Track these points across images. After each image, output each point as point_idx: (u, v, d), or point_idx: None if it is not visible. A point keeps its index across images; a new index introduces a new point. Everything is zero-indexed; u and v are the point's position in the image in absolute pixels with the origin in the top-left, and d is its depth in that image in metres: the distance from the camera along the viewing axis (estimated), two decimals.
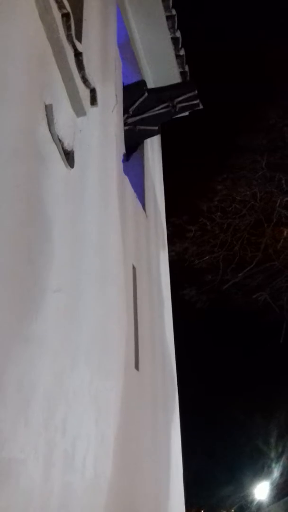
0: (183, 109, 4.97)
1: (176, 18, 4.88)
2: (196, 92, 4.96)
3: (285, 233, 10.29)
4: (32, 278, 2.19)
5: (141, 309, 3.76)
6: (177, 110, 4.87)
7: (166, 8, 4.73)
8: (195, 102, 4.95)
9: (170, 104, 4.86)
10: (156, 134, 5.33)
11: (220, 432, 12.10)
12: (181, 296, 10.58)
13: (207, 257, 10.66)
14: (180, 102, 4.90)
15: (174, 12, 4.89)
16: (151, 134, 5.11)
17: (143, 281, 4.04)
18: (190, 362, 9.82)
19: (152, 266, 4.59)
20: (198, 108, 5.72)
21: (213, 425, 12.01)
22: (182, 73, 5.22)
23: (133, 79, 4.93)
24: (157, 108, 4.83)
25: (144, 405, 3.57)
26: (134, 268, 3.86)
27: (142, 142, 5.12)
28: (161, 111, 4.85)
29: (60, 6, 2.68)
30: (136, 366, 3.45)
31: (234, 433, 12.47)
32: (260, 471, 12.97)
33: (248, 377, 12.01)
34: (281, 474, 12.83)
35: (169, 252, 6.11)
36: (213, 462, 11.93)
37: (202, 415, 11.19)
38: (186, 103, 4.92)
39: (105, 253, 3.20)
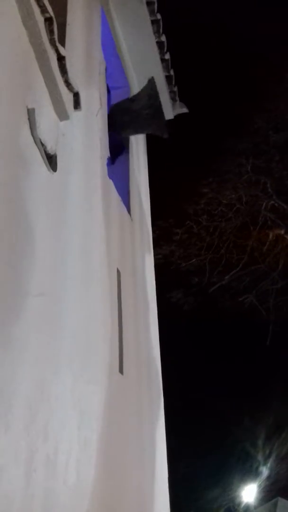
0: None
1: (161, 23, 4.90)
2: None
3: (270, 236, 10.39)
4: (13, 282, 2.18)
5: (125, 313, 3.76)
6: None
7: (151, 12, 4.75)
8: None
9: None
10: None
11: (207, 435, 12.11)
12: (168, 298, 10.60)
13: (193, 260, 10.71)
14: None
15: (159, 16, 4.91)
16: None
17: (127, 285, 4.04)
18: (176, 365, 9.82)
19: (137, 269, 4.59)
20: (182, 108, 5.75)
21: (200, 427, 12.01)
22: (168, 77, 5.24)
23: (119, 83, 4.94)
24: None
25: (129, 409, 3.57)
26: (118, 272, 3.86)
27: (128, 142, 5.10)
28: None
29: (43, 10, 2.68)
30: (120, 370, 3.44)
31: (221, 435, 12.49)
32: (248, 473, 13.01)
33: (235, 379, 12.04)
34: (269, 476, 12.89)
35: (156, 255, 6.12)
36: (200, 465, 11.93)
37: (189, 418, 11.19)
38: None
39: (89, 257, 3.20)
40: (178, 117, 5.81)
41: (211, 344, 11.67)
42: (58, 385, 2.50)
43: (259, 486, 13.23)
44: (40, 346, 2.37)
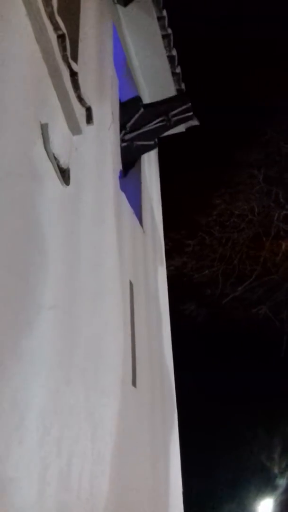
0: (178, 122, 5.07)
1: (172, 37, 4.97)
2: (190, 104, 5.06)
3: (283, 247, 10.33)
4: (26, 295, 2.20)
5: (138, 325, 3.76)
6: (172, 123, 4.95)
7: (162, 27, 4.82)
8: (189, 114, 5.04)
9: (166, 118, 4.94)
10: (153, 149, 5.39)
11: (222, 448, 11.96)
12: (180, 310, 10.57)
13: (206, 271, 10.68)
14: (175, 115, 4.99)
15: (169, 31, 4.98)
16: (148, 149, 5.18)
17: (140, 297, 4.04)
18: (190, 377, 9.75)
19: (149, 281, 4.60)
20: (193, 121, 5.80)
21: (215, 440, 11.87)
22: (179, 90, 5.30)
23: (130, 96, 5.00)
24: (153, 123, 4.90)
25: (142, 422, 3.55)
26: (131, 283, 3.87)
27: (140, 158, 5.17)
28: (157, 125, 4.93)
29: (56, 27, 2.73)
30: (134, 383, 3.43)
31: (236, 448, 12.33)
32: (264, 488, 12.79)
33: (250, 391, 11.91)
34: (285, 491, 12.66)
35: (168, 266, 6.12)
36: (215, 479, 11.76)
37: (203, 431, 11.07)
38: (181, 116, 5.01)
39: (101, 269, 3.21)
40: (189, 129, 5.86)
41: (225, 356, 11.58)
42: (71, 397, 2.50)
43: (276, 500, 12.98)
44: (53, 358, 2.38)
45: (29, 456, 2.02)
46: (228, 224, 10.49)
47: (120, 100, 4.68)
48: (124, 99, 5.09)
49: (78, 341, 2.68)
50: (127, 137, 4.91)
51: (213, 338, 11.33)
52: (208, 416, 11.59)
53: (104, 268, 3.27)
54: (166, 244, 6.05)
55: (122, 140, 4.74)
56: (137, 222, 4.57)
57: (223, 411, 11.56)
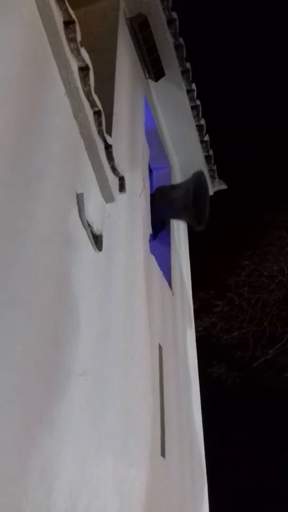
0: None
1: (200, 108, 5.22)
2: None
3: None
4: (57, 362, 2.21)
5: (167, 391, 3.69)
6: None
7: (191, 99, 5.09)
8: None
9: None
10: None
11: None
12: (209, 373, 10.31)
13: (236, 333, 10.48)
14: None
15: (198, 102, 5.24)
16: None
17: (169, 361, 3.99)
18: (220, 444, 9.33)
19: (178, 344, 4.54)
20: (222, 185, 5.96)
21: None
22: (207, 157, 5.49)
23: (160, 164, 5.20)
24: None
25: (171, 496, 3.39)
26: (160, 347, 3.84)
27: (169, 220, 5.28)
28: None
29: (92, 104, 2.92)
30: (162, 453, 3.32)
31: None
32: None
33: (283, 458, 11.27)
34: None
35: (197, 327, 6.06)
36: None
37: (234, 503, 10.42)
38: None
39: (131, 334, 3.21)
40: (218, 192, 6.01)
41: (257, 422, 11.09)
42: (100, 467, 2.43)
43: None
44: (82, 426, 2.35)
45: None
46: (257, 284, 10.41)
47: (149, 168, 4.88)
48: (153, 165, 5.31)
49: (107, 408, 2.65)
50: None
51: (244, 402, 10.91)
52: (239, 486, 10.95)
53: (134, 332, 3.27)
54: (194, 303, 6.02)
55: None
56: (166, 284, 4.60)
57: (255, 480, 10.92)
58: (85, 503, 2.23)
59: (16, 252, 2.00)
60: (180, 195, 4.49)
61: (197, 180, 4.53)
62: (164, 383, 3.66)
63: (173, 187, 4.77)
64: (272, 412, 10.54)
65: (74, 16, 2.72)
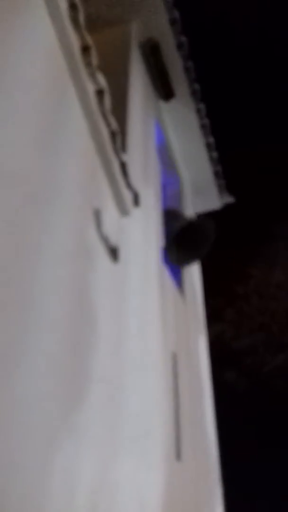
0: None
1: (209, 126, 5.40)
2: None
3: None
4: (78, 371, 2.31)
5: (181, 397, 3.79)
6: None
7: (200, 118, 5.27)
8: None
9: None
10: None
11: None
12: (220, 379, 10.35)
13: (246, 340, 10.55)
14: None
15: (207, 121, 5.42)
16: None
17: (183, 368, 4.10)
18: (233, 449, 9.35)
19: (191, 351, 4.66)
20: (229, 198, 6.11)
21: None
22: (216, 173, 5.66)
23: (171, 179, 5.37)
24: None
25: (186, 499, 3.49)
26: (174, 355, 3.95)
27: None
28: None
29: (108, 124, 3.07)
30: (178, 457, 3.42)
31: None
32: None
33: None
34: None
35: (208, 334, 6.15)
36: None
37: (246, 506, 10.41)
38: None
39: (147, 342, 3.34)
40: (228, 205, 6.17)
41: (268, 427, 11.09)
42: (119, 471, 2.51)
43: None
44: (101, 431, 2.43)
45: None
46: (266, 294, 10.49)
47: (161, 183, 5.05)
48: (164, 180, 5.47)
49: (124, 413, 2.75)
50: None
51: (255, 408, 10.92)
52: (251, 490, 10.93)
53: (150, 340, 3.39)
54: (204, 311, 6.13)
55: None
56: (179, 294, 4.72)
57: (269, 484, 10.90)
58: (106, 506, 2.29)
59: (40, 265, 2.13)
60: (175, 225, 4.51)
61: (197, 224, 4.51)
62: (179, 389, 3.77)
63: (177, 215, 4.82)
64: (281, 415, 10.55)
65: (90, 42, 2.87)
